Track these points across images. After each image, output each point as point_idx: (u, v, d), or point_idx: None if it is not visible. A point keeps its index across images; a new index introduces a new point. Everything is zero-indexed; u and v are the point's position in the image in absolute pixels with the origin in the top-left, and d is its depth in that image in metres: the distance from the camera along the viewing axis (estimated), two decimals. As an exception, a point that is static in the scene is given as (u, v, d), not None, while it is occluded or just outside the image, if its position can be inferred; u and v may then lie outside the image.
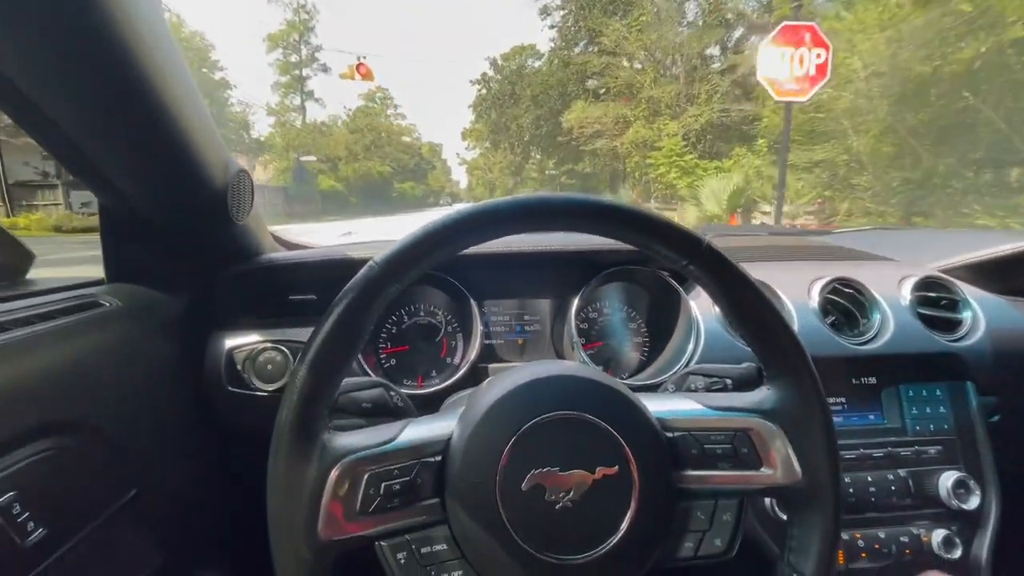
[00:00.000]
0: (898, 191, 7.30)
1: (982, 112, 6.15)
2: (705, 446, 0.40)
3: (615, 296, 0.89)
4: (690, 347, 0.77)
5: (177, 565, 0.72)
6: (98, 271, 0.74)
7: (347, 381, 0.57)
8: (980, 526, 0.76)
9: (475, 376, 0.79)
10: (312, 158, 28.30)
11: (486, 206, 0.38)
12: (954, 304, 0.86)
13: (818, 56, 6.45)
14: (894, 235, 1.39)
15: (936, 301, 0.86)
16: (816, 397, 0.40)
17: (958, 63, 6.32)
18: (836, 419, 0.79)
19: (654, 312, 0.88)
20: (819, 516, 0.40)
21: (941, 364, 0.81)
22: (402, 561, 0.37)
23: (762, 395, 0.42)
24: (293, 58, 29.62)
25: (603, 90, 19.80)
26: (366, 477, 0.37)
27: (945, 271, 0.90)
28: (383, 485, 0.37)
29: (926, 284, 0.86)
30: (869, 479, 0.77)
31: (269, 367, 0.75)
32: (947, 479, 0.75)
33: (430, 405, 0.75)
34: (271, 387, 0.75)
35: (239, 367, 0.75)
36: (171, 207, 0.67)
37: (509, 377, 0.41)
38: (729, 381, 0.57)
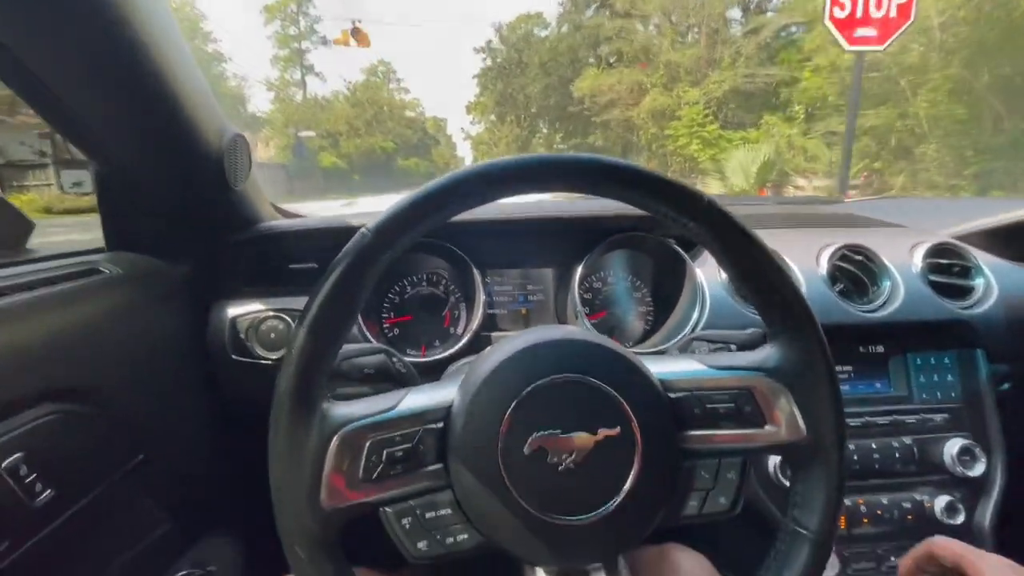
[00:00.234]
0: (972, 162, 6.39)
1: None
2: (708, 405, 0.40)
3: (619, 264, 0.88)
4: (695, 315, 0.77)
5: (185, 529, 0.73)
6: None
7: (349, 347, 0.57)
8: (984, 493, 0.77)
9: (478, 345, 0.78)
10: (311, 133, 27.75)
11: (478, 168, 0.37)
12: (967, 271, 0.84)
13: (899, -7, 5.35)
14: (907, 203, 1.35)
15: (948, 268, 0.84)
16: (820, 353, 0.40)
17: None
18: (842, 387, 0.79)
19: (659, 280, 0.87)
20: (823, 472, 0.40)
21: (951, 331, 0.80)
22: (407, 526, 0.37)
23: (765, 353, 0.42)
24: (292, 30, 28.92)
25: (614, 57, 18.53)
26: (367, 445, 0.36)
27: (959, 238, 0.88)
28: (385, 452, 0.37)
29: (938, 251, 0.84)
30: (873, 446, 0.77)
31: (272, 335, 0.75)
32: (952, 446, 0.75)
33: (433, 373, 0.75)
34: (274, 355, 0.75)
35: (242, 336, 0.75)
36: (167, 172, 0.66)
37: (509, 343, 0.40)
38: (733, 346, 0.56)
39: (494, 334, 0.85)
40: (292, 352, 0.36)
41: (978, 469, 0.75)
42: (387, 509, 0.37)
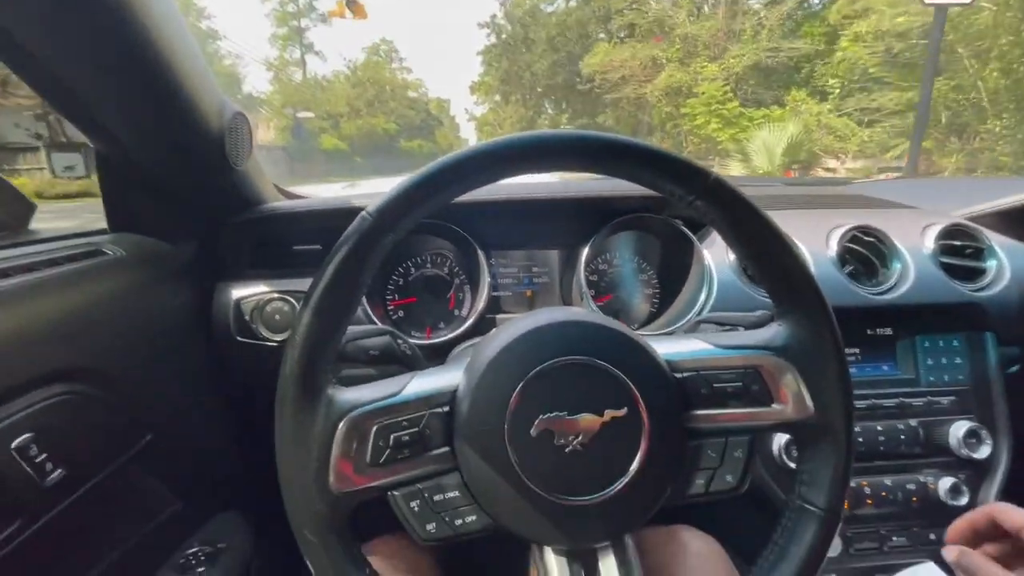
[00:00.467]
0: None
1: None
2: (714, 385, 0.40)
3: (626, 246, 0.87)
4: (703, 297, 0.76)
5: (195, 508, 0.75)
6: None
7: (354, 329, 0.57)
8: (988, 475, 0.77)
9: (483, 327, 0.78)
10: (310, 114, 27.25)
11: (478, 148, 0.36)
12: (979, 252, 0.83)
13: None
14: (919, 184, 1.33)
15: (961, 250, 0.83)
16: (829, 330, 0.39)
17: None
18: (850, 370, 0.79)
19: (666, 262, 0.86)
20: (831, 449, 0.40)
21: (961, 314, 0.79)
22: (416, 509, 0.37)
23: (772, 331, 0.41)
24: (290, 7, 28.34)
25: (624, 32, 17.32)
26: (374, 430, 0.36)
27: (972, 219, 0.86)
28: (392, 437, 0.37)
29: (951, 232, 0.82)
30: (879, 428, 0.77)
31: (277, 317, 0.75)
32: (958, 429, 0.75)
33: (438, 355, 0.75)
34: (279, 337, 0.75)
35: (247, 317, 0.75)
36: (168, 152, 0.65)
37: (514, 325, 0.40)
38: (741, 329, 0.55)
39: (499, 316, 0.84)
40: (296, 338, 0.36)
41: (984, 452, 0.75)
42: (395, 492, 0.37)
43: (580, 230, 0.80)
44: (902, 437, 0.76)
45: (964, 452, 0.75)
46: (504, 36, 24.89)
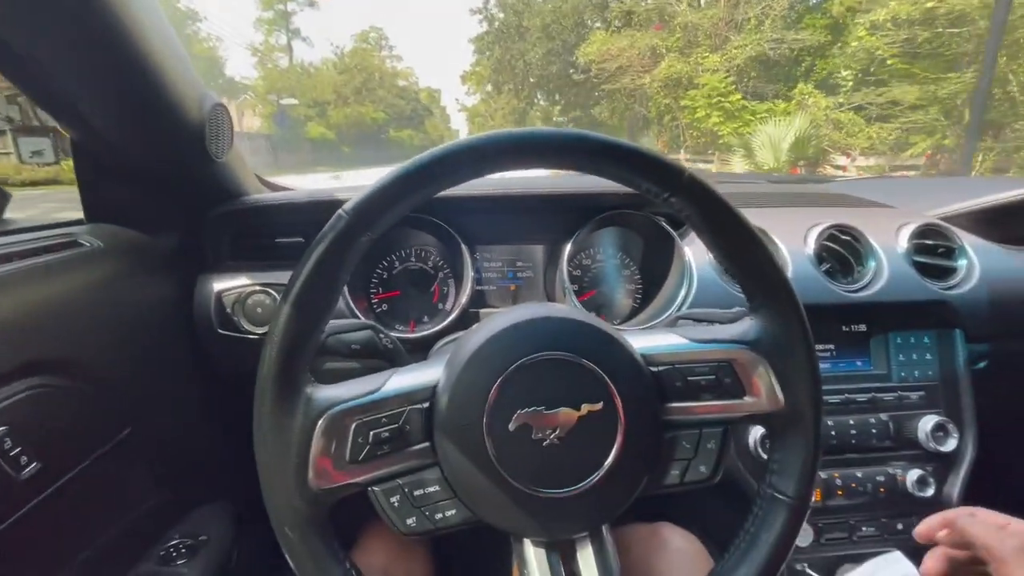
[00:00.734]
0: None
1: None
2: (689, 378, 0.41)
3: (609, 242, 0.88)
4: (682, 293, 0.77)
5: (176, 500, 0.74)
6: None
7: (336, 323, 0.57)
8: (954, 467, 0.79)
9: (466, 321, 0.78)
10: (294, 101, 26.60)
11: (452, 147, 0.37)
12: (950, 252, 0.85)
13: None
14: (896, 183, 1.36)
15: (933, 249, 0.85)
16: (799, 324, 0.40)
17: None
18: (824, 365, 0.82)
19: (648, 258, 0.87)
20: (800, 440, 0.41)
21: (931, 311, 0.82)
22: (396, 504, 0.38)
23: (745, 326, 0.42)
24: (277, -10, 27.71)
25: (620, 22, 16.26)
26: (353, 427, 0.37)
27: (945, 218, 0.89)
28: (371, 433, 0.37)
29: (924, 232, 0.85)
30: (851, 422, 0.79)
31: (259, 310, 0.75)
32: (927, 423, 0.78)
33: (422, 349, 0.75)
34: (261, 330, 0.75)
35: (228, 310, 0.75)
36: (146, 143, 0.64)
37: (493, 321, 0.41)
38: (718, 325, 0.56)
39: (483, 310, 0.85)
40: (273, 337, 0.36)
41: (950, 445, 0.77)
42: (375, 489, 0.38)
43: (564, 226, 0.81)
44: (873, 431, 0.79)
45: (932, 445, 0.77)
46: (497, 24, 24.22)
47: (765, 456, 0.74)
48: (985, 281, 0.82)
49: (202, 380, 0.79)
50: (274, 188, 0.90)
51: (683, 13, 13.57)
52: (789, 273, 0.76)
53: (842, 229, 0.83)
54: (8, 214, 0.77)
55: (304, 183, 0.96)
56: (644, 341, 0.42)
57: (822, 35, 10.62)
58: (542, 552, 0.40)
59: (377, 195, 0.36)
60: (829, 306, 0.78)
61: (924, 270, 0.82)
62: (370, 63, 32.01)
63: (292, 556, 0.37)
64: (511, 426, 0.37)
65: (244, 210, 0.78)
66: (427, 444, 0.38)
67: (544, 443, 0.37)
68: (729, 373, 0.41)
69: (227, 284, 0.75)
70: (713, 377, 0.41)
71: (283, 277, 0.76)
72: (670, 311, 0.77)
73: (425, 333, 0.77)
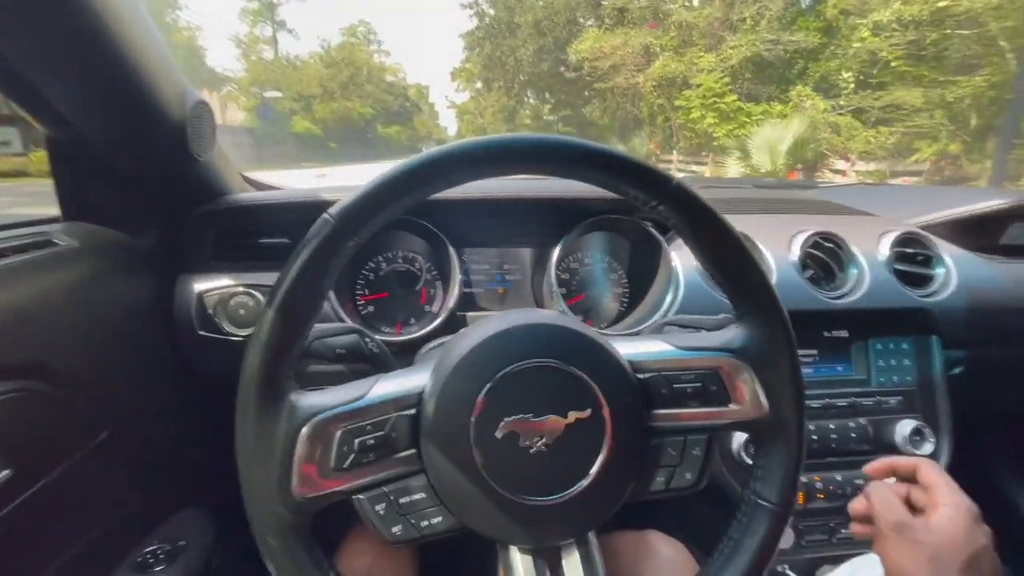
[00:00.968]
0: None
1: None
2: (675, 385, 0.41)
3: (597, 246, 0.88)
4: (668, 298, 0.78)
5: (155, 506, 0.73)
6: None
7: (321, 327, 0.56)
8: None
9: (453, 324, 0.78)
10: (278, 94, 26.06)
11: (436, 153, 0.36)
12: (929, 260, 0.87)
13: None
14: (878, 190, 1.39)
15: (912, 257, 0.87)
16: (783, 334, 0.41)
17: None
18: (807, 370, 0.83)
19: (635, 263, 0.88)
20: (783, 447, 0.41)
21: (910, 318, 0.84)
22: (381, 512, 0.37)
23: (731, 334, 0.43)
24: (262, -21, 27.19)
25: (612, 20, 15.87)
26: (338, 434, 0.36)
27: (924, 227, 0.91)
28: (356, 441, 0.36)
29: (904, 240, 0.86)
30: (832, 426, 0.80)
31: (241, 311, 0.73)
32: (904, 427, 0.80)
33: (408, 352, 0.75)
34: (244, 332, 0.73)
35: (210, 311, 0.73)
36: (125, 140, 0.63)
37: (481, 328, 0.40)
38: (703, 331, 0.57)
39: (470, 313, 0.84)
40: (257, 343, 0.35)
41: (927, 448, 0.79)
42: (360, 497, 0.37)
43: (552, 229, 0.81)
44: (853, 435, 0.81)
45: (909, 449, 0.79)
46: (488, 19, 23.73)
47: (749, 461, 0.75)
48: (962, 289, 0.84)
49: (182, 383, 0.78)
50: (259, 187, 0.89)
51: (678, 12, 13.37)
52: (773, 280, 0.77)
53: (825, 236, 0.84)
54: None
55: (289, 180, 0.95)
56: (631, 348, 0.42)
57: (815, 37, 10.59)
58: (528, 559, 0.40)
59: (363, 200, 0.35)
60: (812, 313, 0.80)
61: (904, 278, 0.84)
62: (358, 57, 31.57)
63: (274, 565, 0.36)
64: (498, 433, 0.37)
65: (227, 210, 0.77)
66: (413, 451, 0.38)
67: (531, 450, 0.37)
68: (715, 380, 0.41)
69: (209, 285, 0.74)
70: (699, 384, 0.41)
71: (267, 278, 0.74)
72: (656, 316, 0.77)
73: (412, 336, 0.76)
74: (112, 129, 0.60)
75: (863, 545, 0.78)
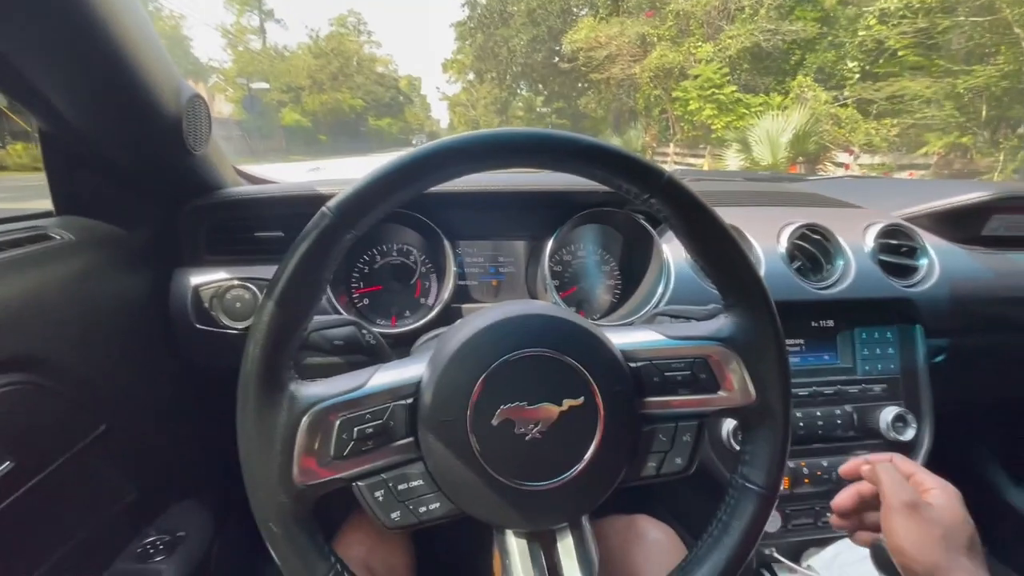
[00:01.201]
0: None
1: None
2: (666, 373, 0.42)
3: (590, 238, 0.89)
4: (660, 290, 0.79)
5: (153, 497, 0.73)
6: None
7: (319, 319, 0.57)
8: (912, 455, 0.84)
9: (448, 317, 0.79)
10: (265, 85, 25.53)
11: (430, 148, 0.37)
12: (913, 251, 0.89)
13: None
14: (864, 183, 1.41)
15: (897, 248, 0.89)
16: (771, 323, 0.42)
17: None
18: (794, 359, 0.85)
19: (627, 255, 0.89)
20: (770, 432, 0.43)
21: (894, 308, 0.86)
22: (380, 499, 0.38)
23: (720, 323, 0.44)
24: (249, -32, 26.64)
25: (605, 8, 15.60)
26: (338, 423, 0.37)
27: (909, 219, 0.93)
28: (355, 429, 0.37)
29: (889, 231, 0.88)
30: (818, 413, 0.82)
31: (238, 305, 0.74)
32: (888, 414, 0.82)
33: (403, 344, 0.75)
34: (240, 325, 0.74)
35: (206, 305, 0.73)
36: (119, 134, 0.62)
37: (477, 318, 0.41)
38: (694, 321, 0.58)
39: (465, 305, 0.85)
40: (256, 335, 0.36)
41: (909, 434, 0.82)
42: (360, 484, 0.38)
43: (545, 222, 0.82)
44: (838, 422, 0.83)
45: (892, 435, 0.81)
46: (480, 9, 23.13)
47: (737, 447, 0.77)
48: (945, 279, 0.86)
49: (179, 376, 0.78)
50: (252, 180, 0.88)
51: (675, 0, 12.87)
52: (762, 271, 0.79)
53: (813, 228, 0.86)
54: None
55: (282, 173, 0.94)
56: (623, 338, 0.43)
57: (813, 27, 10.34)
58: (523, 543, 0.41)
59: (360, 194, 0.36)
60: (799, 303, 0.81)
61: (888, 268, 0.86)
62: (347, 48, 31.07)
63: (277, 551, 0.37)
64: (494, 421, 0.38)
65: (222, 204, 0.77)
66: (411, 439, 0.39)
67: (526, 437, 0.38)
68: (704, 369, 0.42)
69: (205, 278, 0.74)
70: (689, 372, 0.42)
71: (263, 271, 0.75)
72: (648, 307, 0.78)
73: (407, 328, 0.77)
74: (106, 122, 0.60)
75: (846, 528, 0.82)
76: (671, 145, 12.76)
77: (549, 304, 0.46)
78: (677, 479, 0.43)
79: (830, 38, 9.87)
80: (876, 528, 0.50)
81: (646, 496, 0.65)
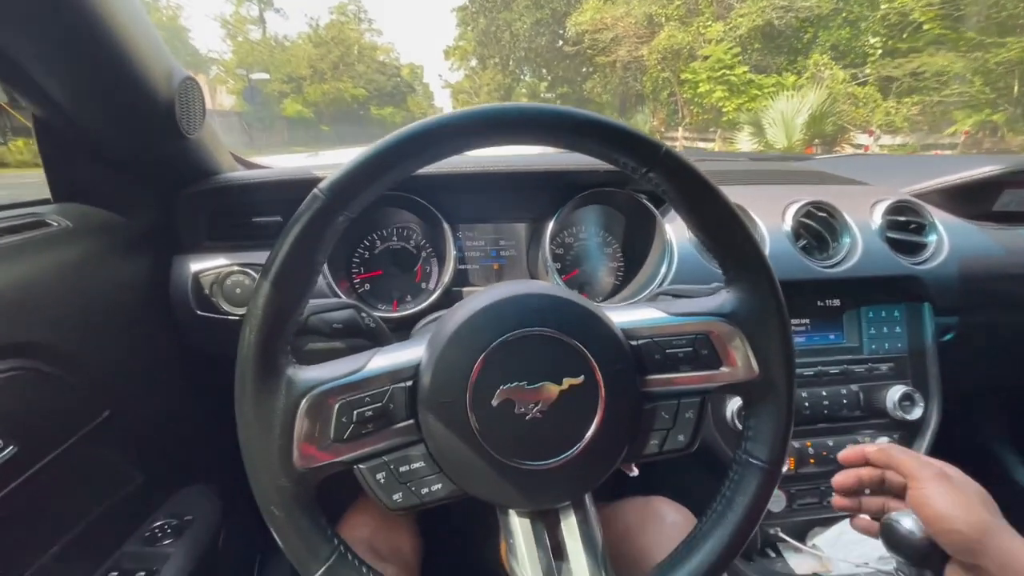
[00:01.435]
0: None
1: None
2: (667, 351, 0.42)
3: (591, 220, 0.88)
4: (663, 270, 0.78)
5: (160, 482, 0.74)
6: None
7: (317, 302, 0.56)
8: (919, 434, 0.83)
9: (449, 301, 0.78)
10: (265, 76, 25.35)
11: (424, 125, 0.36)
12: (921, 228, 0.88)
13: None
14: (871, 159, 1.38)
15: (905, 225, 0.87)
16: (773, 297, 0.41)
17: None
18: (799, 339, 0.84)
19: (629, 236, 0.88)
20: (774, 407, 0.42)
21: (902, 286, 0.84)
22: (382, 481, 0.38)
23: (721, 299, 0.43)
24: (247, -42, 26.32)
25: None
26: (337, 406, 0.37)
27: (917, 195, 0.91)
28: (355, 412, 0.37)
29: (896, 208, 0.87)
30: (824, 393, 0.82)
31: (238, 290, 0.74)
32: (895, 393, 0.81)
33: (404, 328, 0.75)
34: (240, 310, 0.74)
35: (206, 291, 0.73)
36: (112, 118, 0.62)
37: (475, 299, 0.41)
38: (696, 299, 0.57)
39: (465, 289, 0.85)
40: (251, 320, 0.36)
41: (916, 413, 0.81)
42: (361, 466, 0.38)
43: (546, 204, 0.81)
44: (844, 401, 0.82)
45: (899, 414, 0.81)
46: None
47: (739, 426, 0.76)
48: (954, 256, 0.84)
49: (181, 362, 0.78)
50: (249, 166, 0.88)
51: None
52: (767, 250, 0.77)
53: (819, 206, 0.84)
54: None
55: (281, 164, 0.94)
56: (624, 316, 0.43)
57: (827, 3, 9.92)
58: (527, 522, 0.41)
59: (351, 174, 0.35)
60: (805, 282, 0.80)
61: (896, 246, 0.84)
62: (348, 36, 30.72)
63: (280, 534, 0.37)
64: (494, 401, 0.37)
65: (219, 189, 0.76)
66: (411, 421, 0.39)
67: (527, 417, 0.38)
68: (706, 344, 0.42)
69: (204, 265, 0.74)
70: (690, 349, 0.42)
71: (262, 257, 0.74)
72: (651, 288, 0.78)
73: (408, 312, 0.77)
74: (99, 108, 0.60)
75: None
76: (680, 129, 12.53)
77: (547, 284, 0.45)
78: (680, 456, 0.43)
79: (844, 14, 9.50)
80: (875, 513, 0.51)
81: (661, 482, 0.65)
